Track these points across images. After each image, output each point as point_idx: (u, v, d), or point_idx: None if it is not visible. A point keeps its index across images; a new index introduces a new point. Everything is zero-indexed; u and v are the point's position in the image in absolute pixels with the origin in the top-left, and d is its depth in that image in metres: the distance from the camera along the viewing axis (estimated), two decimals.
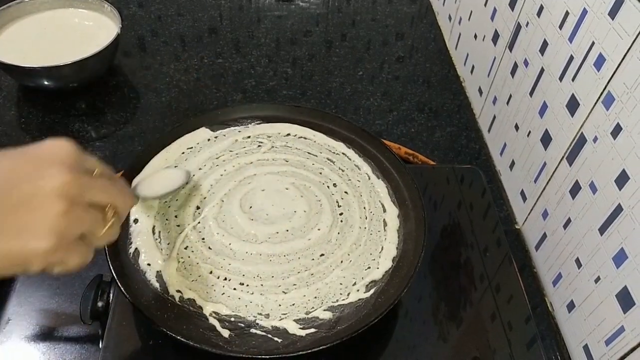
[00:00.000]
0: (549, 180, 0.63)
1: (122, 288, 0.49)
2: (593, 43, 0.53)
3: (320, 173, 0.62)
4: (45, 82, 0.78)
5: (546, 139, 0.63)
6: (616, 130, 0.50)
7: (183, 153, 0.62)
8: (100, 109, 0.81)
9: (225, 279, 0.52)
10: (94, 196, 0.38)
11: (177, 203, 0.58)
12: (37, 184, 0.35)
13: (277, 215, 0.57)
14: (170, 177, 0.57)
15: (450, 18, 0.97)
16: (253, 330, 0.49)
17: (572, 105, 0.57)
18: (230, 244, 0.54)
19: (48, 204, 0.35)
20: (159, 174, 0.58)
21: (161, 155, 0.62)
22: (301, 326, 0.49)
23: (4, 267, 0.35)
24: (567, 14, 0.58)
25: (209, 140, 0.64)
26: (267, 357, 0.46)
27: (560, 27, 0.59)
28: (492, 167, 0.78)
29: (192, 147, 0.63)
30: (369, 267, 0.54)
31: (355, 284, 0.53)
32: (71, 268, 0.37)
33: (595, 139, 0.53)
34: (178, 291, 0.51)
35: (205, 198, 0.58)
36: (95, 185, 0.38)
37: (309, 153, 0.64)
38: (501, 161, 0.76)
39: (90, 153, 0.74)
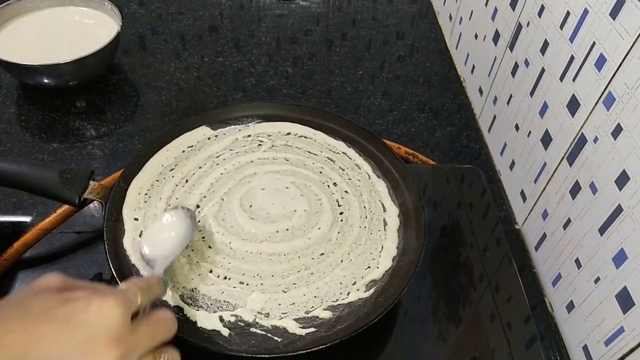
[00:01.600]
0: (549, 180, 0.63)
1: None
2: (594, 43, 0.53)
3: (321, 172, 0.62)
4: (45, 80, 0.78)
5: (546, 139, 0.63)
6: (617, 131, 0.50)
7: (183, 152, 0.62)
8: (101, 107, 0.81)
9: (225, 277, 0.52)
10: (143, 351, 0.38)
11: (177, 202, 0.58)
12: None
13: (277, 214, 0.57)
14: (174, 229, 0.50)
15: (450, 18, 0.97)
16: (253, 329, 0.49)
17: (573, 105, 0.57)
18: (230, 243, 0.54)
19: None
20: (160, 233, 0.50)
21: (161, 153, 0.61)
22: (301, 325, 0.49)
23: None
24: (568, 14, 0.58)
25: (209, 138, 0.64)
26: (267, 356, 0.46)
27: (561, 27, 0.59)
28: (492, 167, 0.78)
29: (192, 146, 0.63)
30: (369, 267, 0.54)
31: (355, 283, 0.53)
32: None
33: (595, 139, 0.53)
34: (178, 290, 0.51)
35: (205, 197, 0.58)
36: (143, 342, 0.38)
37: (309, 152, 0.64)
38: (501, 161, 0.76)
39: (90, 151, 0.74)
